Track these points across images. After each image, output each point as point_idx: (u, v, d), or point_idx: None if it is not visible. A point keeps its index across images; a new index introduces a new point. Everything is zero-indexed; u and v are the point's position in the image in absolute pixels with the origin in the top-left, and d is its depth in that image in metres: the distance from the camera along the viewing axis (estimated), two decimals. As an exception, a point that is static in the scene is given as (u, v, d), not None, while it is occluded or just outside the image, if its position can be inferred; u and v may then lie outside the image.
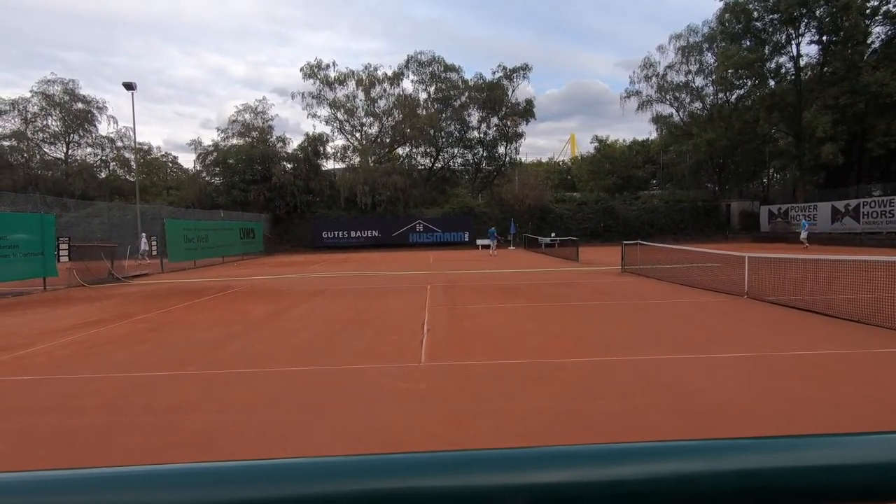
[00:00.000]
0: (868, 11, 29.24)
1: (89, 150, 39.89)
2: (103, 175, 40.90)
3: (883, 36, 30.14)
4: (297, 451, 3.37)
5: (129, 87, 26.30)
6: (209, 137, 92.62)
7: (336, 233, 34.59)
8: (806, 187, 32.99)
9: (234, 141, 37.54)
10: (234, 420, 4.03)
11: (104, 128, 40.19)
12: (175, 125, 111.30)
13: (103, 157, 40.81)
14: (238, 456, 3.23)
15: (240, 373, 5.34)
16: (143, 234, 21.36)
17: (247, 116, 37.88)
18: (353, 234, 35.09)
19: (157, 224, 22.20)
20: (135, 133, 32.28)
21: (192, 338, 7.13)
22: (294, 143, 39.66)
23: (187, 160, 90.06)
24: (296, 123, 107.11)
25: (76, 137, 38.85)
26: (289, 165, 37.23)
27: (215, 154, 37.33)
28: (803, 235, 24.72)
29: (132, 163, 39.65)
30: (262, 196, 34.69)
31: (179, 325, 8.25)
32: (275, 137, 38.23)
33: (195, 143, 39.03)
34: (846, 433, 0.52)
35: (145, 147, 48.45)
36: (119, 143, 40.60)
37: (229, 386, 4.89)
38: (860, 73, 27.69)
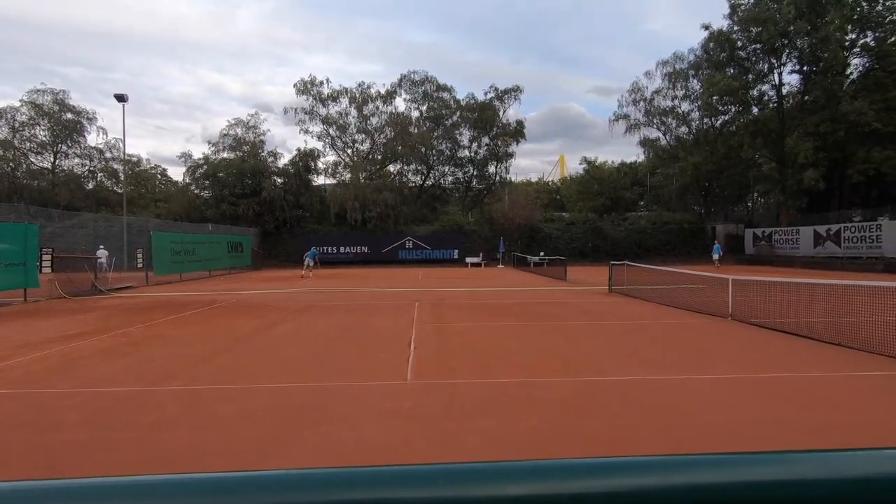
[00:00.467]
0: (847, 44, 30.32)
1: (77, 160, 39.52)
2: (90, 186, 40.47)
3: (861, 67, 31.23)
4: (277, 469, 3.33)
5: (120, 98, 26.26)
6: (200, 151, 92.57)
7: (325, 248, 34.47)
8: (789, 212, 33.67)
9: (225, 155, 37.50)
10: (216, 437, 3.97)
11: (93, 138, 39.82)
12: (166, 138, 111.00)
13: (91, 168, 40.43)
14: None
15: (223, 389, 5.27)
16: (101, 247, 20.97)
17: (238, 131, 37.95)
18: (342, 249, 34.99)
19: (143, 236, 21.97)
20: (124, 144, 32.02)
21: (176, 352, 7.03)
22: (285, 158, 39.74)
23: (177, 173, 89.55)
24: (282, 140, 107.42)
25: (64, 148, 38.51)
26: (279, 180, 37.21)
27: (205, 167, 37.22)
28: (715, 258, 28.38)
29: (120, 174, 39.35)
30: (252, 210, 34.55)
31: (163, 339, 8.13)
32: (266, 152, 38.28)
33: (185, 156, 38.95)
34: (821, 450, 0.55)
35: (134, 159, 48.18)
36: (108, 155, 40.32)
37: (213, 402, 4.82)
38: (840, 103, 28.55)
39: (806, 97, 31.88)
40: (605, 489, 0.49)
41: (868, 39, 30.43)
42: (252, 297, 14.96)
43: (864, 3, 29.96)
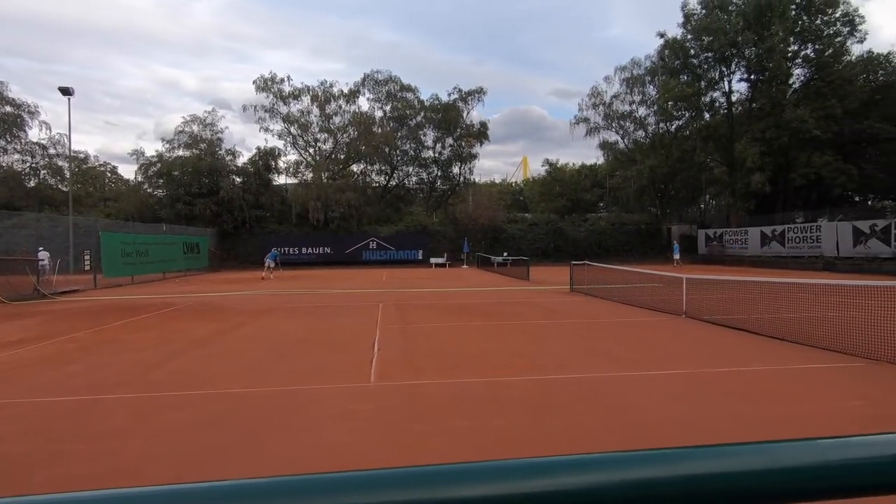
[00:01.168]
0: (790, 55, 32.11)
1: (17, 156, 37.17)
2: (32, 184, 38.15)
3: (802, 77, 33.11)
4: (236, 477, 3.25)
5: (65, 91, 24.87)
6: (153, 148, 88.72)
7: (287, 249, 33.70)
8: (738, 213, 35.31)
9: (181, 152, 36.04)
10: (170, 446, 3.83)
11: (35, 134, 37.48)
12: (117, 135, 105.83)
13: (33, 165, 38.11)
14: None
15: (179, 395, 5.09)
16: (41, 249, 19.90)
17: (195, 128, 36.53)
18: (304, 250, 34.30)
19: (91, 237, 20.86)
20: (70, 140, 30.12)
21: (127, 358, 6.73)
22: (245, 156, 38.61)
23: (128, 171, 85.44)
24: (240, 138, 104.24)
25: (2, 143, 36.14)
26: (238, 179, 36.11)
27: (159, 165, 35.69)
28: (676, 257, 29.51)
29: (66, 171, 37.26)
30: (209, 210, 33.39)
31: (113, 344, 7.76)
32: (224, 150, 37.04)
33: (137, 154, 37.24)
34: (764, 441, 0.58)
35: (81, 155, 45.71)
36: (52, 151, 38.11)
37: (167, 409, 4.65)
38: (783, 110, 30.19)
39: (753, 104, 33.54)
40: (559, 488, 0.51)
41: (808, 51, 32.33)
42: (210, 299, 14.48)
43: (804, 17, 31.79)
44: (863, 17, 31.22)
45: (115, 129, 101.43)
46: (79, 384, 5.51)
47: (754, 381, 5.46)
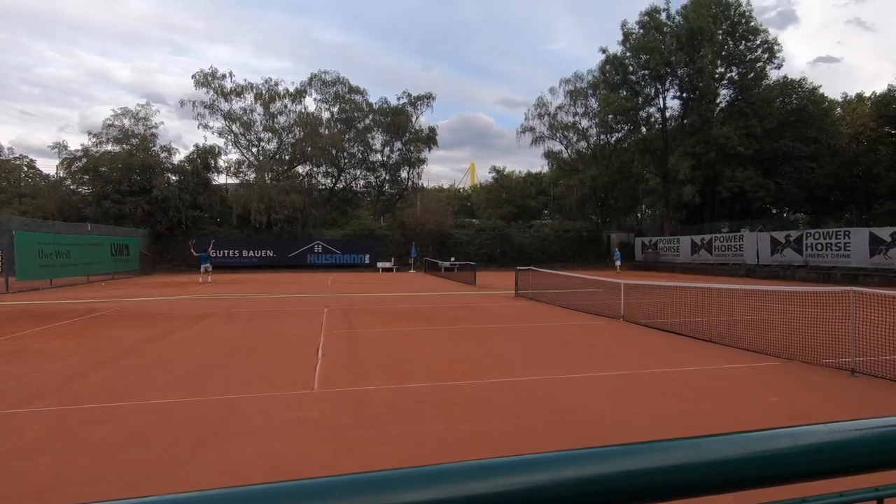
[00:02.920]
0: (717, 76, 34.57)
1: (-85, 146, 33.49)
2: (-67, 176, 34.48)
3: (728, 98, 35.75)
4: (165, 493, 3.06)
5: (-25, 77, 22.68)
6: (78, 141, 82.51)
7: (227, 252, 32.25)
8: (672, 222, 37.47)
9: (109, 147, 33.67)
10: (92, 462, 3.55)
11: (-62, 121, 33.95)
12: (35, 125, 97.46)
13: (-66, 156, 34.46)
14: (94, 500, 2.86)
15: (103, 407, 4.74)
16: None
17: (126, 121, 34.24)
18: (245, 253, 32.96)
19: (4, 237, 19.06)
20: (-20, 130, 27.53)
21: (44, 368, 6.19)
22: (182, 154, 36.67)
23: (48, 165, 78.87)
24: (176, 135, 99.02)
25: None
26: (174, 178, 34.19)
27: (84, 160, 33.17)
28: (617, 263, 31.23)
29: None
30: (141, 209, 31.38)
31: (26, 353, 7.12)
32: (159, 146, 34.98)
33: (59, 147, 34.48)
34: (693, 437, 0.62)
35: (-7, 147, 41.78)
36: (-42, 141, 34.58)
37: (89, 423, 4.31)
38: (711, 127, 32.45)
39: (685, 121, 35.79)
40: (501, 489, 0.52)
41: (733, 74, 34.96)
42: (140, 304, 13.60)
43: (730, 42, 34.36)
44: (780, 45, 34.21)
45: (33, 119, 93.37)
46: (-15, 398, 5.01)
47: (685, 381, 5.79)
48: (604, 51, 37.00)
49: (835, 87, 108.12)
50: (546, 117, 42.68)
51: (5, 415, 4.51)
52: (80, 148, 33.87)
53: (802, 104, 34.11)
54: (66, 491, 3.12)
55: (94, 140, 33.74)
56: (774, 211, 37.24)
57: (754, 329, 7.90)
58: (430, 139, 42.24)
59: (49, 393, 5.19)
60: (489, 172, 58.18)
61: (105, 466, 3.48)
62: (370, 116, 40.76)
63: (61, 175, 34.55)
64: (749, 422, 4.48)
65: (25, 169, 45.59)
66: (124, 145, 33.48)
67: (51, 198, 32.81)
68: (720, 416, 4.65)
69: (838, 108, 36.31)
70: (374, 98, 41.44)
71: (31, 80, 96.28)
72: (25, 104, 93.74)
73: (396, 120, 40.26)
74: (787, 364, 6.47)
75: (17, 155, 45.87)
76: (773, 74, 34.67)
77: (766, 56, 34.22)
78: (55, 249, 19.49)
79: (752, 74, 34.05)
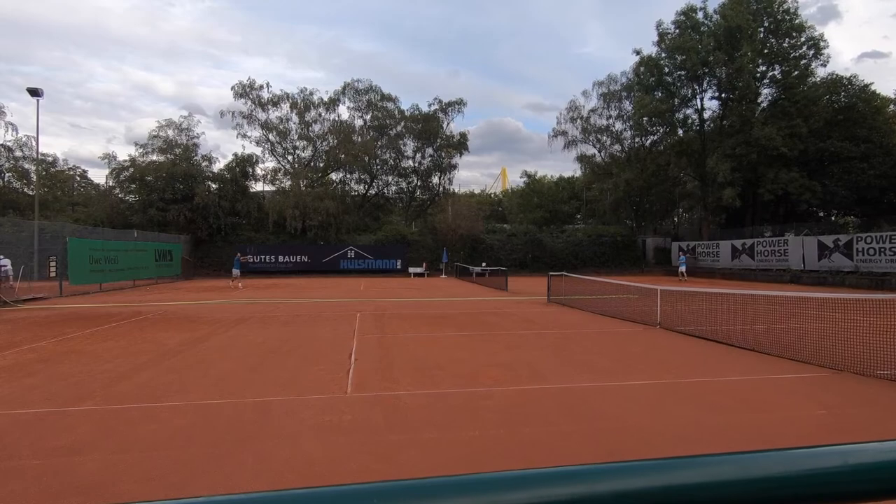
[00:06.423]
0: (758, 75, 33.36)
1: (-19, 158, 35.84)
2: (-5, 187, 36.81)
3: (770, 97, 34.41)
4: (206, 493, 3.14)
5: (34, 92, 24.16)
6: (124, 152, 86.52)
7: (263, 257, 33.16)
8: (710, 226, 36.29)
9: (154, 157, 35.24)
10: (137, 460, 3.69)
11: (0, 135, 36.26)
12: (86, 137, 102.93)
13: (-2, 167, 36.80)
14: (139, 499, 2.97)
15: (147, 407, 4.92)
16: (1, 256, 19.14)
17: (170, 132, 35.78)
18: (281, 259, 33.80)
19: (58, 243, 20.14)
20: (38, 142, 29.17)
21: (92, 369, 6.49)
22: (221, 163, 37.98)
23: (98, 175, 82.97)
24: (215, 144, 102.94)
25: (-34, 145, 34.82)
26: (214, 186, 35.45)
27: (132, 170, 34.82)
28: (682, 269, 28.73)
29: (32, 174, 36.04)
30: (183, 216, 32.65)
31: (77, 355, 7.48)
32: (200, 156, 36.38)
33: (108, 158, 36.28)
34: (735, 452, 0.59)
35: (49, 158, 44.30)
36: (18, 153, 36.83)
37: (134, 422, 4.49)
38: (752, 128, 31.27)
39: (724, 122, 34.64)
40: (536, 500, 0.50)
41: (776, 72, 33.65)
42: (182, 308, 14.11)
43: (772, 40, 33.12)
44: (826, 42, 32.73)
45: (83, 132, 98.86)
46: (38, 396, 5.28)
47: (726, 391, 5.57)
48: (638, 52, 36.38)
49: (885, 84, 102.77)
50: (579, 121, 42.19)
51: (58, 412, 4.74)
52: (127, 158, 35.59)
53: (851, 102, 32.48)
54: (113, 488, 3.25)
55: (140, 150, 35.41)
56: (821, 214, 35.55)
57: (801, 338, 7.54)
58: (461, 145, 42.39)
59: (97, 392, 5.43)
60: (520, 177, 57.86)
61: (149, 465, 3.61)
62: (402, 123, 41.24)
63: (110, 184, 36.35)
64: (794, 435, 4.27)
65: (78, 179, 48.17)
66: (168, 155, 34.96)
67: (100, 206, 34.57)
68: (763, 428, 4.45)
69: (891, 105, 34.38)
70: (405, 105, 41.98)
71: (83, 94, 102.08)
72: (77, 117, 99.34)
73: (428, 126, 40.59)
74: (837, 375, 6.14)
75: (71, 166, 48.54)
76: (820, 72, 33.25)
77: (811, 53, 32.82)
78: (104, 255, 20.45)
79: (796, 72, 32.69)
